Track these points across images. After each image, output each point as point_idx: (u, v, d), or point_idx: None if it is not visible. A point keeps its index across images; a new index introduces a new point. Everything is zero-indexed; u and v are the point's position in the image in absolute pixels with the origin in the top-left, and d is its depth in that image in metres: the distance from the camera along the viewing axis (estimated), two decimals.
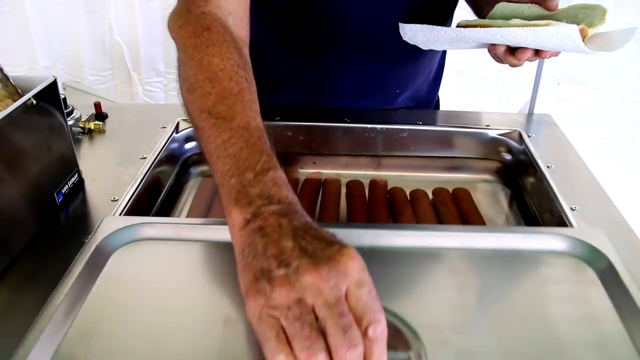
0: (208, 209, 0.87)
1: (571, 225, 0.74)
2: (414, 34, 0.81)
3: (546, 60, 1.01)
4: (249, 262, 0.46)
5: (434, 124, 1.00)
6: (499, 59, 0.80)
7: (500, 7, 0.83)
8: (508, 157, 0.98)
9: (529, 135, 0.96)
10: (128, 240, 0.68)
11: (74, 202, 0.80)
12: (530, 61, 0.79)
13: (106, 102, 1.07)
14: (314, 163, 0.99)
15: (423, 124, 0.99)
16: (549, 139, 0.97)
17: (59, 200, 0.78)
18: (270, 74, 1.02)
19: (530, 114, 1.06)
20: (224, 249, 0.66)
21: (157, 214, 0.86)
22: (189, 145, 1.00)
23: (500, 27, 0.72)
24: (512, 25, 0.72)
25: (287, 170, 0.97)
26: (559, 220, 0.77)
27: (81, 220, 0.76)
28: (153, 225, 0.69)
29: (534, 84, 1.06)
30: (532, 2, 0.80)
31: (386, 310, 0.47)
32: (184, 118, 0.99)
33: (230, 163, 0.53)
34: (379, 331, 0.43)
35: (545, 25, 0.70)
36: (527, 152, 0.92)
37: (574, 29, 0.67)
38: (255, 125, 0.57)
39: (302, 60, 1.01)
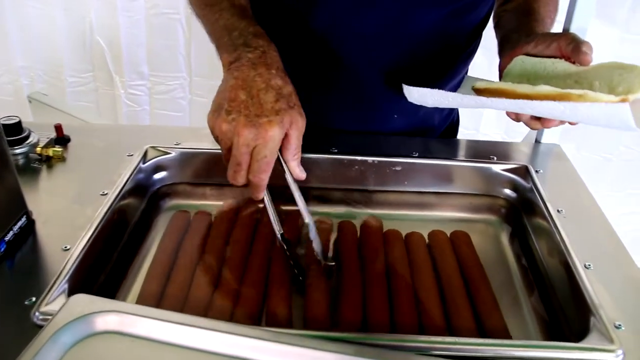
0: (178, 247, 0.78)
1: (584, 286, 0.65)
2: (422, 96, 0.72)
3: None
4: (219, 91, 0.70)
5: (430, 155, 0.90)
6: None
7: (519, 62, 0.75)
8: (513, 194, 0.88)
9: (536, 171, 0.86)
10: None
11: (21, 250, 0.70)
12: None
13: (71, 122, 0.97)
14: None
15: (419, 156, 0.89)
16: (558, 175, 0.88)
17: (2, 250, 0.68)
18: None
19: (537, 142, 0.96)
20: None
21: (118, 259, 0.76)
22: (159, 176, 0.90)
23: (529, 94, 0.64)
24: (541, 93, 0.63)
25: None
26: (571, 277, 0.68)
27: (27, 276, 0.66)
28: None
29: None
30: (556, 57, 0.72)
31: None
32: (152, 145, 0.89)
33: (222, 30, 0.77)
34: (254, 180, 0.69)
35: (582, 95, 0.61)
36: (535, 191, 0.83)
37: (625, 109, 0.58)
38: (239, 4, 0.81)
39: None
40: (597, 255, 0.70)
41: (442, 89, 1.00)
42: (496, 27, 0.93)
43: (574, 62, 0.72)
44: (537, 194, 0.82)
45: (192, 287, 0.72)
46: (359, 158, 0.88)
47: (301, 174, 0.74)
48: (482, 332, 0.66)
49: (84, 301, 0.59)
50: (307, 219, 0.74)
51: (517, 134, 1.60)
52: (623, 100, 0.62)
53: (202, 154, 0.90)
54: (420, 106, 0.99)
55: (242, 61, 0.70)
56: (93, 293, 0.66)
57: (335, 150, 0.90)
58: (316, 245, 0.74)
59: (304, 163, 0.81)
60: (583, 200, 0.82)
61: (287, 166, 0.72)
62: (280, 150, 0.71)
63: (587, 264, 0.69)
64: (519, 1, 0.92)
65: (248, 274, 0.74)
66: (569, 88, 0.68)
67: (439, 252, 0.77)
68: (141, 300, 0.71)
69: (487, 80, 0.76)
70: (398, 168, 0.88)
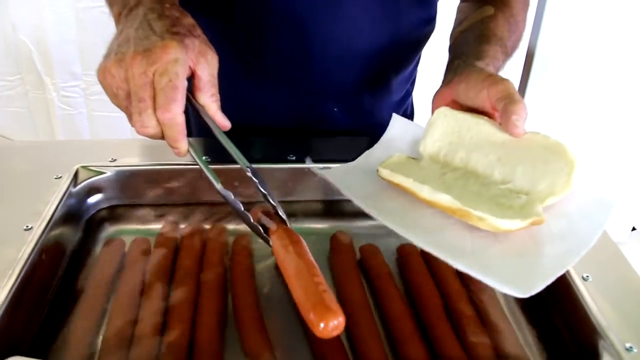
0: (112, 286, 0.67)
1: (586, 302, 0.58)
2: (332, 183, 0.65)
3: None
4: (111, 41, 0.60)
5: None
6: None
7: (442, 116, 0.66)
8: None
9: None
10: None
11: None
12: None
13: None
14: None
15: None
16: None
17: None
18: None
19: None
20: None
21: (53, 305, 0.65)
22: (94, 199, 0.78)
23: (429, 202, 0.58)
24: (439, 204, 0.57)
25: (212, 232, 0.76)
26: (569, 292, 0.61)
27: None
28: None
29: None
30: (484, 110, 0.64)
31: None
32: (83, 165, 0.78)
33: None
34: (166, 117, 0.55)
35: (482, 219, 0.53)
36: None
37: (512, 291, 0.49)
38: None
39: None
40: (594, 265, 0.63)
41: (389, 76, 0.92)
42: (449, 49, 0.84)
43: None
44: None
45: (135, 335, 0.61)
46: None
47: (224, 121, 0.64)
48: None
49: None
50: (248, 170, 0.62)
51: None
52: (534, 222, 0.54)
53: (142, 171, 0.79)
54: (361, 98, 0.93)
55: (130, 5, 0.62)
56: (24, 353, 0.57)
57: (293, 158, 0.80)
58: (272, 198, 0.63)
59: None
60: None
61: (205, 111, 0.62)
62: (194, 95, 0.62)
63: (584, 275, 0.62)
64: (475, 20, 0.83)
65: (200, 316, 0.63)
66: (490, 166, 0.61)
67: (436, 267, 0.69)
68: (69, 355, 0.59)
69: (392, 168, 0.64)
70: None
